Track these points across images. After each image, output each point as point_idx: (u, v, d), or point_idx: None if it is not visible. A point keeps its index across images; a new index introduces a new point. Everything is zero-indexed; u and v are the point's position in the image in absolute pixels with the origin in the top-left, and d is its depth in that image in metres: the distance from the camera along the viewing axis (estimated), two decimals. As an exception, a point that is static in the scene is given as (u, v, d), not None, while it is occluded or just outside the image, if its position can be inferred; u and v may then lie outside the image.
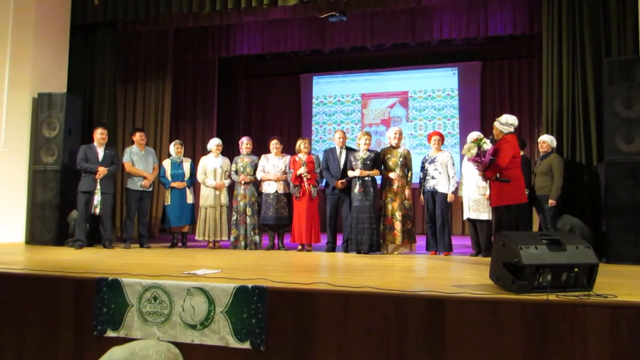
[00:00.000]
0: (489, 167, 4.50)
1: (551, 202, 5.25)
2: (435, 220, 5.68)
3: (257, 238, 6.15)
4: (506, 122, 4.59)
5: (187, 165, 6.52)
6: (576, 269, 2.91)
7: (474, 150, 4.45)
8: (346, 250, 5.76)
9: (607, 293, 2.80)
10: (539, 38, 6.31)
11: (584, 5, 5.70)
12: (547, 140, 5.54)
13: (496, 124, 4.66)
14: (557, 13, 5.83)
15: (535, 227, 5.97)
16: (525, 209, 4.74)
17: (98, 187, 6.00)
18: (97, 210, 5.97)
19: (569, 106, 5.68)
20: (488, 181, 4.78)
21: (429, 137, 5.96)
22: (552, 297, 2.72)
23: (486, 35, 8.36)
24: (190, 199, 6.45)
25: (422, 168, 5.86)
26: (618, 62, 5.18)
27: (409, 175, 5.85)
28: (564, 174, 5.30)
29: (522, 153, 5.06)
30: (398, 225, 5.63)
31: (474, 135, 5.20)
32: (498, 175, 4.46)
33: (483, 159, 4.46)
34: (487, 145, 4.50)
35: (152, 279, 3.24)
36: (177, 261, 4.68)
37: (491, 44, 9.72)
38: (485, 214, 5.43)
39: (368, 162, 5.71)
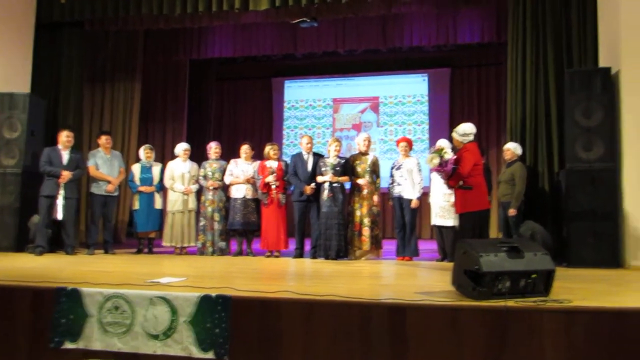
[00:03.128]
0: (452, 176, 4.60)
1: (511, 211, 5.38)
2: (403, 226, 5.75)
3: (223, 244, 6.13)
4: (464, 132, 4.70)
5: (156, 169, 6.44)
6: (534, 275, 3.00)
7: (436, 160, 4.55)
8: (314, 256, 5.77)
9: (563, 298, 2.90)
10: (506, 46, 6.46)
11: (547, 18, 5.86)
12: (510, 147, 5.66)
13: (454, 135, 4.77)
14: (522, 24, 5.97)
15: (493, 232, 6.11)
16: (489, 215, 4.85)
17: (61, 191, 5.86)
18: (60, 216, 5.83)
19: (533, 114, 5.83)
20: (452, 189, 4.88)
21: (397, 143, 6.04)
22: (510, 303, 2.79)
23: (455, 42, 8.57)
24: (158, 204, 6.37)
25: (391, 174, 5.93)
26: (579, 72, 5.36)
27: (377, 181, 5.92)
28: (526, 182, 5.42)
29: (483, 161, 5.16)
30: (366, 231, 5.68)
31: (441, 143, 5.31)
32: (461, 183, 4.56)
33: (445, 168, 4.55)
34: (449, 154, 4.60)
35: (114, 287, 3.19)
36: (142, 268, 4.62)
37: (460, 51, 9.91)
38: (450, 221, 5.53)
39: (338, 169, 5.75)
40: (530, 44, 5.92)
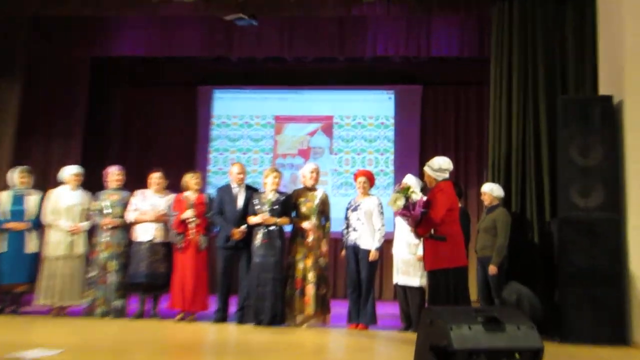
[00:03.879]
0: (421, 222, 4.62)
1: (492, 268, 5.45)
2: (358, 284, 5.75)
3: (120, 303, 6.01)
4: (439, 167, 4.77)
5: (33, 200, 6.32)
6: (517, 355, 3.00)
7: (401, 202, 4.58)
8: (241, 320, 5.77)
9: (554, 386, 2.90)
10: (489, 64, 6.68)
11: (538, 34, 6.13)
12: (486, 191, 5.77)
13: (427, 169, 4.84)
14: (508, 40, 6.20)
15: (474, 295, 6.17)
16: (466, 274, 4.88)
17: None
18: None
19: (520, 149, 6.01)
20: (421, 239, 4.91)
21: (355, 178, 6.09)
22: (487, 392, 2.76)
23: (429, 55, 8.82)
24: (31, 246, 6.19)
25: (346, 216, 5.94)
26: (574, 101, 5.60)
27: (327, 225, 5.95)
28: (510, 232, 5.52)
29: (460, 205, 5.22)
30: (310, 290, 5.66)
31: (408, 180, 5.36)
32: (432, 232, 4.59)
33: (412, 212, 4.58)
34: (417, 195, 4.65)
35: (-45, 364, 2.95)
36: (2, 336, 4.36)
37: (434, 65, 10.17)
38: (416, 279, 5.58)
39: (276, 207, 5.76)
40: (518, 64, 6.16)
